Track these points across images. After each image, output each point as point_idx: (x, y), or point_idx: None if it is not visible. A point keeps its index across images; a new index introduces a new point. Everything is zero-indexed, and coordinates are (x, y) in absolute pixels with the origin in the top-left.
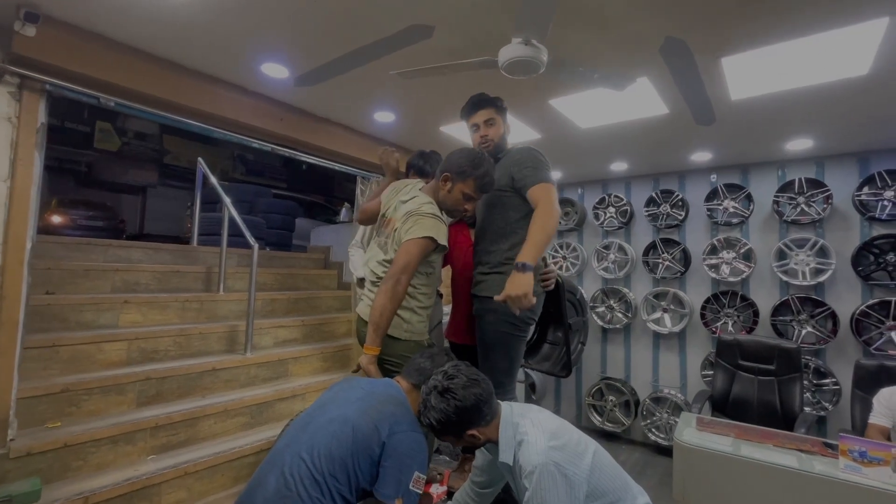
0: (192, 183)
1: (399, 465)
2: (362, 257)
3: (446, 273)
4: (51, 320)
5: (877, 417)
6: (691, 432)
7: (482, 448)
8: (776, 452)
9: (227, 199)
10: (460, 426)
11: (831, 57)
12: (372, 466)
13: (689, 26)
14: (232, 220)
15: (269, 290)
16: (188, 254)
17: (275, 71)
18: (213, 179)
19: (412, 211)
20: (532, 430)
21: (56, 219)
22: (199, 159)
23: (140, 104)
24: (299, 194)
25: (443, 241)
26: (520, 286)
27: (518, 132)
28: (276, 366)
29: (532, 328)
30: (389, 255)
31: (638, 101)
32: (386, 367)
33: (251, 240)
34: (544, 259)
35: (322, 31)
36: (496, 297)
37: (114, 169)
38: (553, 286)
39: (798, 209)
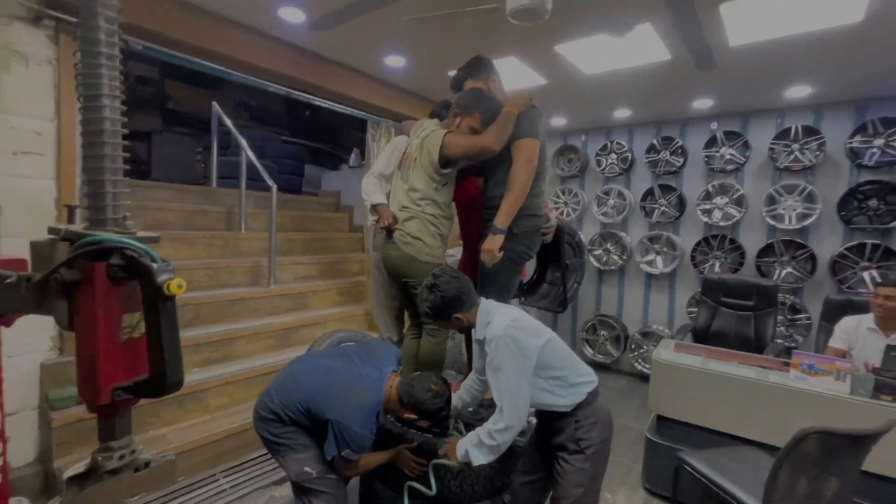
0: (196, 128)
1: (341, 441)
2: (376, 186)
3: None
4: None
5: (835, 341)
6: (668, 352)
7: (475, 343)
8: (739, 367)
9: (244, 144)
10: (447, 310)
11: (827, 2)
12: (311, 418)
13: None
14: (249, 165)
15: (287, 230)
16: (209, 195)
17: (292, 15)
18: (229, 123)
19: (429, 134)
20: (498, 315)
21: None
22: (214, 103)
23: (163, 46)
24: (303, 140)
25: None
26: (489, 245)
27: (524, 77)
28: (297, 298)
29: (524, 264)
30: (411, 182)
31: (641, 46)
32: (408, 288)
33: (270, 182)
34: (546, 216)
35: None
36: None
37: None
38: (552, 237)
39: (792, 156)
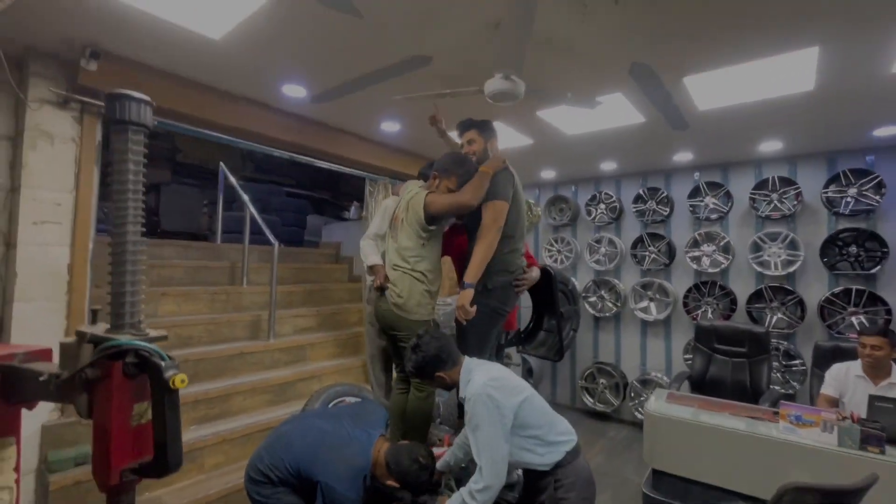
0: (204, 180)
1: (329, 502)
2: (372, 248)
3: (449, 267)
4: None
5: (826, 388)
6: (660, 404)
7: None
8: (729, 419)
9: (248, 202)
10: (429, 368)
11: (781, 75)
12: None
13: (651, 53)
14: (252, 219)
15: (287, 283)
16: (214, 251)
17: (294, 91)
18: (234, 181)
19: (413, 196)
20: (478, 374)
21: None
22: (221, 164)
23: (179, 122)
24: (306, 191)
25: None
26: (461, 300)
27: (511, 138)
28: (295, 351)
29: (502, 319)
30: (400, 241)
31: (616, 112)
32: (398, 343)
33: (272, 238)
34: (523, 269)
35: (335, 61)
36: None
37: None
38: (524, 290)
39: (772, 205)
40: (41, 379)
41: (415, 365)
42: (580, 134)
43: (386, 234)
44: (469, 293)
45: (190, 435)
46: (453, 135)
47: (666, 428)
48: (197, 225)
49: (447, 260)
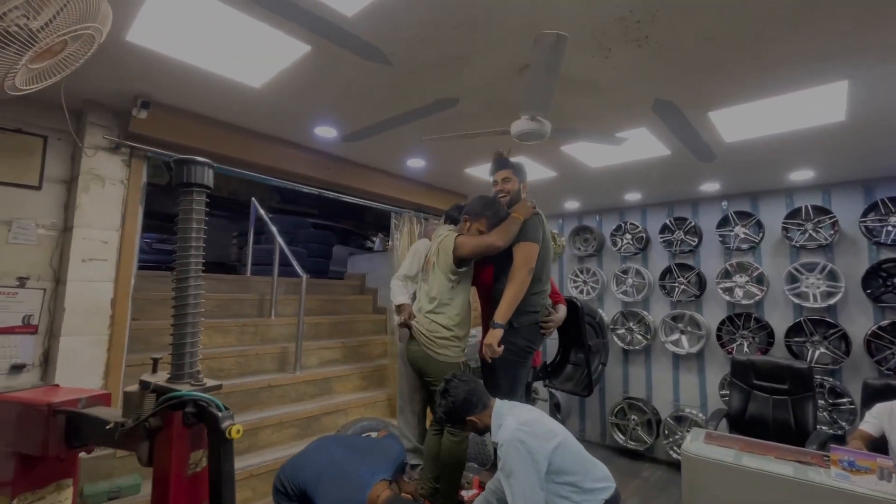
0: (233, 212)
1: None
2: (401, 288)
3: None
4: (137, 342)
5: (865, 424)
6: (698, 445)
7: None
8: (775, 463)
9: (277, 235)
10: (459, 413)
11: (810, 108)
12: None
13: (674, 89)
14: (280, 251)
15: (313, 314)
16: (243, 283)
17: (325, 132)
18: (265, 215)
19: (443, 239)
20: (509, 418)
21: None
22: (253, 199)
23: (220, 163)
24: (331, 221)
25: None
26: (489, 339)
27: (536, 171)
28: (321, 383)
29: (531, 358)
30: (431, 285)
31: (641, 145)
32: (429, 385)
33: (300, 271)
34: (548, 309)
35: (366, 104)
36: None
37: (163, 200)
38: (551, 332)
39: (806, 235)
40: (107, 427)
41: (445, 410)
42: (604, 167)
43: (417, 276)
44: (498, 333)
45: None
46: (475, 170)
47: (705, 471)
48: (226, 256)
49: (472, 290)
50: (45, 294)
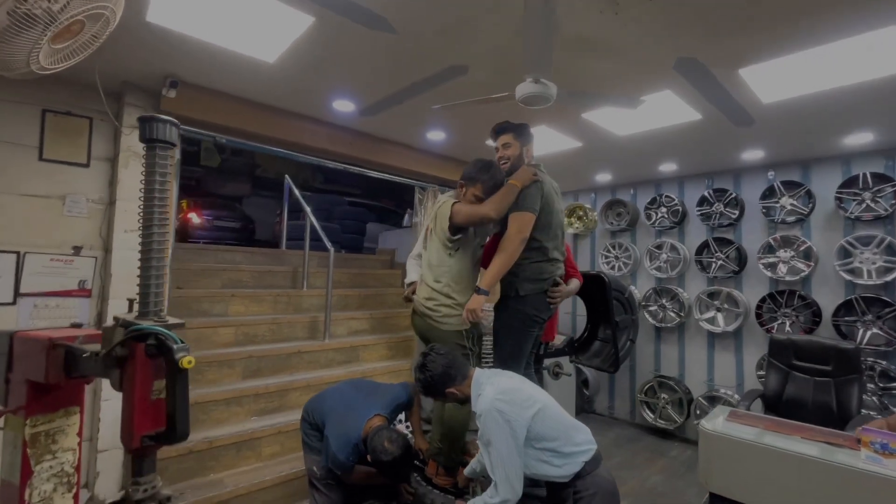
0: (279, 192)
1: (326, 456)
2: (413, 266)
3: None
4: (180, 308)
5: None
6: (718, 422)
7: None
8: (800, 443)
9: (308, 211)
10: (439, 386)
11: (863, 58)
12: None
13: (696, 44)
14: (313, 227)
15: (344, 287)
16: (278, 256)
17: (344, 106)
18: (297, 193)
19: (440, 206)
20: (488, 388)
21: (194, 219)
22: (286, 176)
23: (248, 140)
24: (371, 200)
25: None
26: (471, 304)
27: (559, 142)
28: (349, 351)
29: (538, 327)
30: (428, 255)
31: (667, 109)
32: None
33: (328, 244)
34: (555, 281)
35: (378, 75)
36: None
37: (216, 182)
38: (558, 304)
39: (864, 205)
40: (84, 356)
41: (423, 385)
42: (632, 134)
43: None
44: (480, 299)
45: (251, 425)
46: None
47: (724, 448)
48: (271, 232)
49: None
50: (96, 262)
